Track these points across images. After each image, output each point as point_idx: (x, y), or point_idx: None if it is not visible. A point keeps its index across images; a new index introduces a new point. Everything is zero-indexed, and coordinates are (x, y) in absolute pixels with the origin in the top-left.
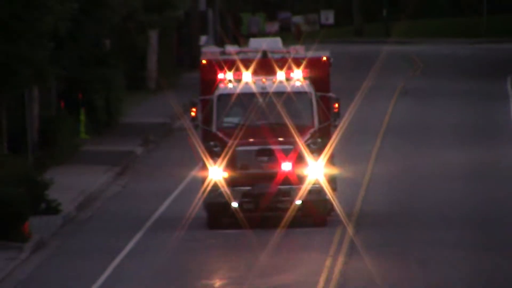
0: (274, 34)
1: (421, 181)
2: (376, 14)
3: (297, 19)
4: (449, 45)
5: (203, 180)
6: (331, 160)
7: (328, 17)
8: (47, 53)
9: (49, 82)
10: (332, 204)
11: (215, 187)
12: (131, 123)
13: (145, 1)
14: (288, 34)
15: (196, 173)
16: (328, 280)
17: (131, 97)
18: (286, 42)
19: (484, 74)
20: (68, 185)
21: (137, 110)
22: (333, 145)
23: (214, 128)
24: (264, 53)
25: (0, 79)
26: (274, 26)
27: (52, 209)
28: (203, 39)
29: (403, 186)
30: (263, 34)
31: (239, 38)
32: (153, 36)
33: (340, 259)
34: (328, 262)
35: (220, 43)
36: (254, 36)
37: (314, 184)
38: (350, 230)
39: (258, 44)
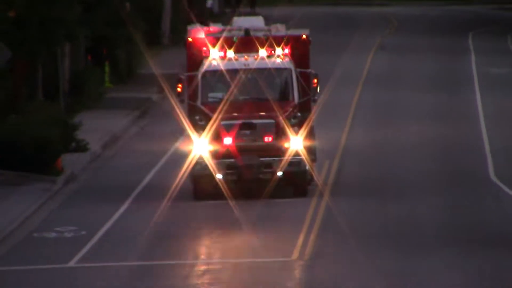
0: None
1: (396, 120)
2: None
3: None
4: (421, 7)
5: (187, 153)
6: (311, 133)
7: None
8: (77, 15)
9: (78, 40)
10: (311, 175)
11: (201, 160)
12: (148, 74)
13: None
14: None
15: (180, 145)
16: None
17: (148, 51)
18: (279, 3)
19: (450, 31)
20: (94, 127)
21: (153, 62)
22: (312, 118)
23: (199, 103)
24: (247, 31)
25: (37, 38)
26: None
27: (81, 147)
28: (209, 2)
29: (380, 131)
30: None
31: (240, 1)
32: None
33: (315, 232)
34: (301, 237)
35: (224, 5)
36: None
37: (294, 156)
38: (327, 199)
39: (242, 22)
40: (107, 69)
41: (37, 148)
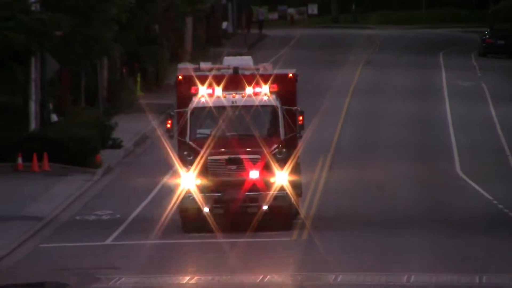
0: (275, 21)
1: (379, 122)
2: (348, 7)
3: (291, 10)
4: (399, 30)
5: (176, 186)
6: (297, 168)
7: (313, 9)
8: (112, 34)
9: (114, 55)
10: (297, 209)
11: (189, 194)
12: (172, 84)
13: None
14: (285, 22)
15: (169, 179)
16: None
17: (172, 66)
18: (281, 27)
19: (424, 50)
20: (127, 128)
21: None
22: (298, 154)
23: (188, 139)
24: (235, 70)
25: (80, 52)
26: (275, 16)
27: (116, 145)
28: (224, 24)
29: (368, 130)
30: (267, 21)
31: (250, 24)
32: (189, 22)
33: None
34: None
35: (237, 27)
36: (261, 22)
37: (279, 190)
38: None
39: (231, 61)
40: (138, 79)
41: (80, 145)
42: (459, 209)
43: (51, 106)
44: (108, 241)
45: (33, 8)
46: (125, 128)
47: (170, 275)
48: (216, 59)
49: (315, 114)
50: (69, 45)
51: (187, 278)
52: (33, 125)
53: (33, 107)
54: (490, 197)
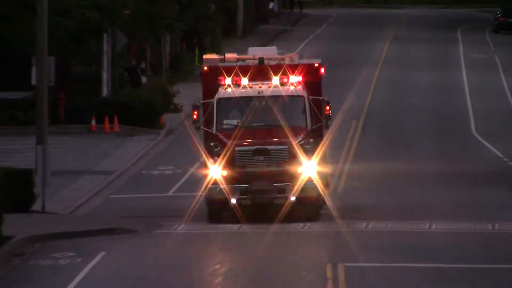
0: (314, 2)
1: (404, 89)
2: None
3: None
4: (423, 9)
5: (203, 178)
6: (324, 158)
7: None
8: (175, 13)
9: (175, 31)
10: (324, 199)
11: (215, 184)
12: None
13: None
14: (323, 2)
15: (197, 169)
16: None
17: (226, 40)
18: (320, 7)
19: (444, 27)
20: (187, 94)
21: (230, 48)
22: (325, 144)
23: (214, 130)
24: (261, 60)
25: (145, 28)
26: None
27: (177, 109)
28: (270, 4)
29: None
30: (308, 1)
31: (293, 4)
32: (240, 2)
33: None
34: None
35: (282, 6)
36: (302, 2)
37: (307, 181)
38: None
39: (256, 52)
40: (197, 52)
41: (146, 109)
42: (473, 165)
43: (143, 65)
44: (170, 193)
45: None
46: (185, 94)
47: (218, 224)
48: (264, 36)
49: (352, 82)
50: (136, 22)
51: (236, 227)
52: (105, 91)
53: (105, 75)
54: (501, 155)
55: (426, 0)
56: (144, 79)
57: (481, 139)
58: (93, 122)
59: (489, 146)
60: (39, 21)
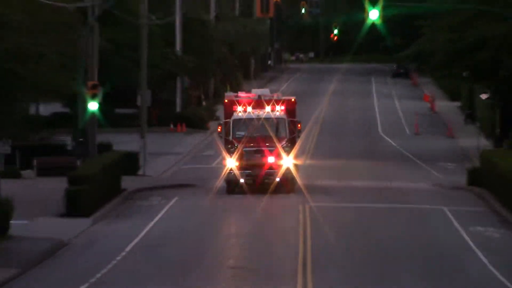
0: (293, 60)
1: (342, 108)
2: (328, 53)
3: (301, 55)
4: (352, 64)
5: (224, 166)
6: (296, 156)
7: (311, 54)
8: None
9: (216, 74)
10: (296, 180)
11: (231, 171)
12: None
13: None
14: (298, 60)
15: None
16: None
17: (244, 81)
18: (296, 63)
19: (365, 74)
20: (222, 111)
21: (247, 85)
22: (297, 148)
23: (230, 138)
24: (259, 97)
25: (202, 73)
26: (293, 57)
27: (217, 119)
28: (269, 61)
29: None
30: (289, 60)
31: (281, 62)
32: (252, 61)
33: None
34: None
35: (275, 63)
36: (286, 61)
37: (286, 169)
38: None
39: (256, 91)
40: (228, 87)
41: (200, 119)
42: (380, 149)
43: (202, 95)
44: (213, 164)
45: (178, 52)
46: (221, 111)
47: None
48: (265, 78)
49: (314, 104)
50: (194, 70)
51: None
52: (178, 108)
53: (178, 100)
54: (395, 144)
55: (353, 59)
56: (203, 103)
57: (384, 136)
58: (171, 126)
59: (389, 139)
60: (142, 72)
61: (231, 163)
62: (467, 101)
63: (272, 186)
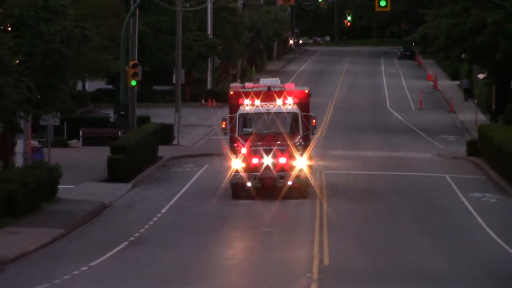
0: (311, 43)
1: (354, 87)
2: (343, 37)
3: (317, 38)
4: (364, 47)
5: (229, 167)
6: (311, 156)
7: (327, 37)
8: (242, 48)
9: (243, 57)
10: (310, 184)
11: (237, 173)
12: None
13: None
14: (315, 43)
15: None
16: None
17: (269, 62)
18: (313, 46)
19: (375, 56)
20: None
21: (271, 65)
22: (312, 146)
23: (236, 135)
24: (269, 88)
25: (229, 56)
26: (311, 40)
27: None
28: (290, 42)
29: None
30: (307, 43)
31: (300, 44)
32: (274, 44)
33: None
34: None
35: (296, 45)
36: (304, 44)
37: (299, 171)
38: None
39: (265, 81)
40: (253, 68)
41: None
42: (389, 123)
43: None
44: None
45: (209, 36)
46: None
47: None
48: (287, 60)
49: (329, 83)
50: (223, 52)
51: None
52: (208, 86)
53: (209, 78)
54: (401, 119)
55: (364, 42)
56: (238, 80)
57: (393, 111)
58: (203, 101)
59: (396, 114)
60: (177, 52)
61: (237, 164)
62: (468, 80)
63: (283, 191)
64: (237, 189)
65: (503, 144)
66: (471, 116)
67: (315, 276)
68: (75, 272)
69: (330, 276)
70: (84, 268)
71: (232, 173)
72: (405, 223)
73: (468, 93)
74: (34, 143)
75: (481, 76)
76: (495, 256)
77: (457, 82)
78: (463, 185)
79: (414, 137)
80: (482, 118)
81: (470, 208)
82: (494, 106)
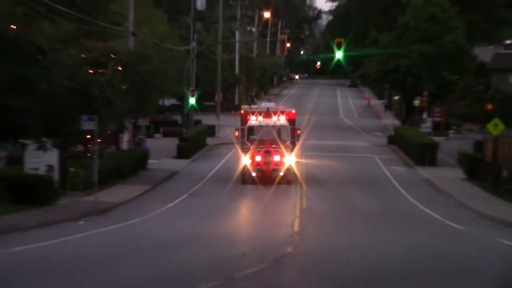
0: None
1: (318, 105)
2: (315, 73)
3: (298, 75)
4: (326, 80)
5: (240, 163)
6: (296, 155)
7: (305, 74)
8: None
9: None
10: (296, 175)
11: (245, 166)
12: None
13: None
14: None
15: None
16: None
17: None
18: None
19: (335, 86)
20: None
21: (273, 90)
22: (297, 149)
23: (245, 140)
24: (267, 109)
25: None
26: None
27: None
28: (283, 78)
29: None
30: (293, 78)
31: (290, 78)
32: (275, 77)
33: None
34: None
35: (286, 79)
36: (293, 79)
37: (288, 166)
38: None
39: (266, 104)
40: (262, 92)
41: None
42: (340, 125)
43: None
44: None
45: (236, 73)
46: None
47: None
48: (282, 87)
49: (308, 101)
50: (245, 82)
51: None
52: (236, 101)
53: (236, 98)
54: (349, 122)
55: (328, 77)
56: (255, 99)
57: (343, 117)
58: (232, 111)
59: (346, 119)
60: (217, 82)
61: (246, 160)
62: (389, 100)
63: (277, 179)
64: (245, 177)
65: (408, 137)
66: (390, 121)
67: (297, 215)
68: (158, 211)
69: (305, 214)
70: (163, 208)
71: (242, 167)
72: (351, 185)
73: (387, 107)
74: (142, 136)
75: (396, 97)
76: (402, 202)
77: (382, 101)
78: (384, 162)
79: (356, 133)
80: (396, 122)
81: (389, 175)
82: (403, 116)
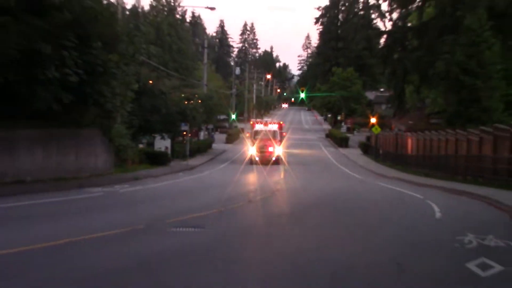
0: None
1: (297, 130)
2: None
3: (286, 105)
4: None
5: (248, 152)
6: (283, 148)
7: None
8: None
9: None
10: (282, 159)
11: (252, 154)
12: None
13: None
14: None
15: (246, 150)
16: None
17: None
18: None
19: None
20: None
21: (272, 111)
22: (284, 144)
23: (252, 138)
24: (266, 121)
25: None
26: (285, 104)
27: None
28: (276, 107)
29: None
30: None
31: (280, 105)
32: (271, 107)
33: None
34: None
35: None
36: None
37: (278, 154)
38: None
39: (266, 118)
40: (264, 113)
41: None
42: (304, 129)
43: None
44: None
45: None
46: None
47: (252, 165)
48: (274, 111)
49: (288, 117)
50: (255, 107)
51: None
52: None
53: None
54: (308, 128)
55: (298, 106)
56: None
57: (304, 125)
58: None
59: (305, 125)
60: (231, 104)
61: (252, 150)
62: (326, 116)
63: (270, 162)
64: (251, 160)
65: (335, 134)
66: (327, 127)
67: (282, 176)
68: (217, 168)
69: (286, 175)
70: (218, 168)
71: (250, 154)
72: (311, 166)
73: (325, 120)
74: (212, 133)
75: (329, 115)
76: (332, 165)
77: (322, 117)
78: (325, 146)
79: (310, 132)
80: (329, 127)
81: (328, 154)
82: (333, 124)
